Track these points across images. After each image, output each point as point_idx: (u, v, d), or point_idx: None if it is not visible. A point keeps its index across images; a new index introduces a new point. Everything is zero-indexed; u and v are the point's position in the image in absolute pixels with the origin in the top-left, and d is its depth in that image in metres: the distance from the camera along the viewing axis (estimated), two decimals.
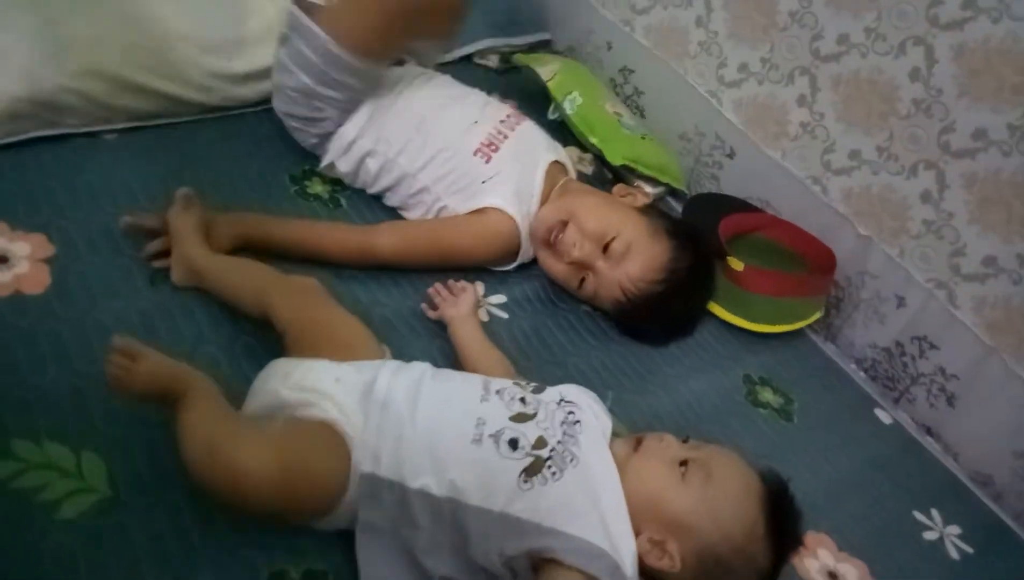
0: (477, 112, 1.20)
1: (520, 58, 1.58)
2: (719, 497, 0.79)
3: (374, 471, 0.74)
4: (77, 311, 0.86)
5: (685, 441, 0.85)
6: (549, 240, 1.14)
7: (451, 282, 1.10)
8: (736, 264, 1.25)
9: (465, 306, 1.05)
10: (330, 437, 0.75)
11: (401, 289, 1.08)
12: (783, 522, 0.81)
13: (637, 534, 0.77)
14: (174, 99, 1.13)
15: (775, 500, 0.81)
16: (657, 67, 1.59)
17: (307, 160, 1.20)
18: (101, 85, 1.04)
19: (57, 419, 0.76)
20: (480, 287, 1.15)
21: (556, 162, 1.24)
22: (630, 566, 0.75)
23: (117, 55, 1.07)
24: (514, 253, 1.17)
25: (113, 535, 0.71)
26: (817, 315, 1.37)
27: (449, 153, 1.16)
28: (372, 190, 1.19)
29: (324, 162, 1.18)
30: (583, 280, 1.14)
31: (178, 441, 0.69)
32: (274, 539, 0.76)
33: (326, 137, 1.16)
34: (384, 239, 1.09)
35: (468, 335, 1.01)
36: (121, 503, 0.73)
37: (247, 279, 0.91)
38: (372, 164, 1.17)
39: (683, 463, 0.80)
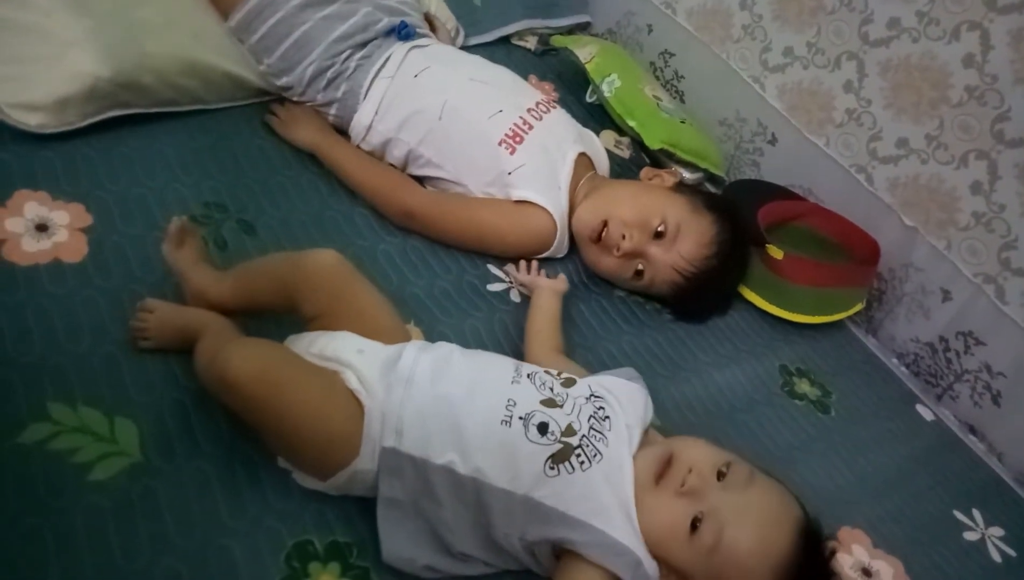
0: (502, 100, 1.17)
1: (558, 40, 1.56)
2: (726, 563, 0.73)
3: (396, 446, 0.73)
4: (113, 281, 0.87)
5: (723, 472, 0.76)
6: (596, 238, 1.12)
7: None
8: (776, 252, 1.22)
9: (559, 285, 1.08)
10: (342, 389, 0.75)
11: (431, 269, 1.08)
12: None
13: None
14: (237, 81, 1.14)
15: (797, 568, 0.74)
16: (699, 51, 1.56)
17: None
18: (175, 66, 1.06)
19: (92, 385, 0.78)
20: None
21: (582, 154, 1.21)
22: (652, 562, 0.74)
23: (188, 38, 1.09)
24: (545, 248, 1.15)
25: (142, 499, 0.71)
26: (858, 307, 1.33)
27: (472, 143, 1.13)
28: (406, 172, 1.18)
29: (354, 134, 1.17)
30: (639, 271, 1.12)
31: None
32: (299, 510, 0.76)
33: (345, 113, 1.16)
34: (420, 195, 1.10)
35: (550, 304, 1.04)
36: (151, 468, 0.74)
37: (265, 288, 0.85)
38: (398, 152, 1.15)
39: (697, 519, 0.73)
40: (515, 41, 1.60)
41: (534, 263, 1.14)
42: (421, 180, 1.16)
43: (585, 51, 1.50)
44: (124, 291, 0.86)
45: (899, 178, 1.32)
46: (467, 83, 1.17)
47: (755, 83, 1.48)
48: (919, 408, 1.28)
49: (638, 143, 1.46)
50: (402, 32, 1.18)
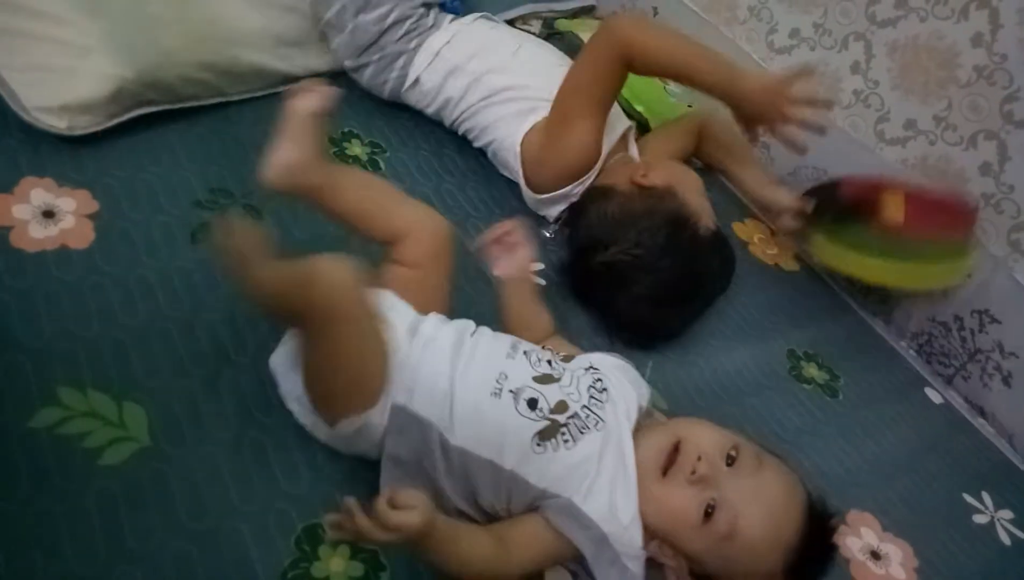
0: (565, 62, 1.20)
1: (563, 24, 1.55)
2: (740, 550, 0.73)
3: (406, 404, 0.74)
4: (120, 267, 0.87)
5: (733, 456, 0.76)
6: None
7: (505, 229, 0.94)
8: (894, 207, 1.12)
9: (521, 265, 0.94)
10: (386, 341, 0.75)
11: None
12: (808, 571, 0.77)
13: (650, 539, 0.75)
14: (258, 68, 1.14)
15: (805, 548, 0.75)
16: (705, 32, 1.55)
17: (347, 123, 1.20)
18: (194, 59, 1.06)
19: (101, 370, 0.78)
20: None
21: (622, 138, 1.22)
22: (628, 531, 0.74)
23: (204, 29, 1.08)
24: (581, 173, 1.13)
25: (152, 483, 0.72)
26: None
27: (535, 86, 1.16)
28: (453, 114, 1.21)
29: (409, 80, 1.20)
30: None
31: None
32: (309, 494, 0.76)
33: (405, 69, 1.19)
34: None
35: (522, 292, 0.94)
36: (160, 453, 0.74)
37: (376, 201, 0.87)
38: (458, 83, 1.18)
39: (710, 507, 0.73)
40: (519, 25, 1.59)
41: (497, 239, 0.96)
42: (468, 113, 1.20)
43: (590, 35, 1.48)
44: (131, 277, 0.86)
45: (907, 159, 1.31)
46: (536, 42, 1.28)
47: (762, 64, 1.47)
48: (928, 391, 1.28)
49: (644, 128, 1.45)
50: (451, 5, 1.28)
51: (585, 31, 1.50)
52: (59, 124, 0.94)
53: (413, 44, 1.19)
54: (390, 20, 1.18)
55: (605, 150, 1.14)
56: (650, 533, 0.75)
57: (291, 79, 1.17)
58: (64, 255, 0.86)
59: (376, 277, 0.83)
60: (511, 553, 0.71)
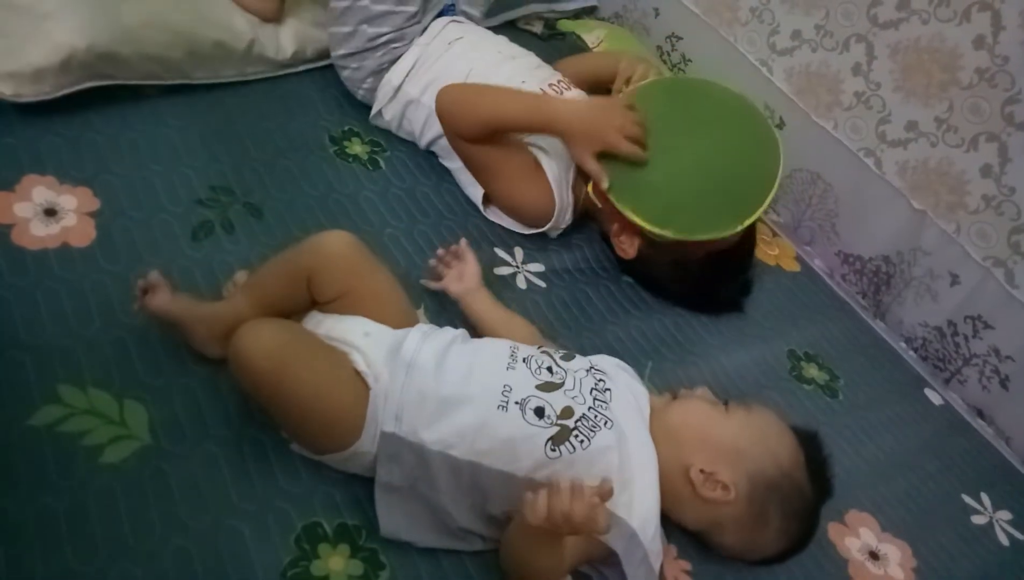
0: (525, 73, 1.18)
1: (565, 24, 1.55)
2: (763, 425, 0.84)
3: (395, 431, 0.74)
4: (121, 265, 0.87)
5: (726, 403, 0.86)
6: None
7: (453, 248, 1.00)
8: None
9: (471, 279, 0.97)
10: (349, 371, 0.76)
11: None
12: (819, 460, 0.84)
13: (686, 468, 0.79)
14: (223, 47, 1.13)
15: (810, 440, 0.86)
16: (706, 34, 1.55)
17: (347, 121, 1.20)
18: (156, 36, 1.05)
19: (101, 368, 0.78)
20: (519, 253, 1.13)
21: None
22: (652, 528, 0.76)
23: (168, 4, 1.08)
24: (539, 225, 1.13)
25: (153, 481, 0.72)
26: None
27: None
28: (422, 143, 1.19)
29: (373, 110, 1.20)
30: None
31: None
32: (308, 493, 0.76)
33: (378, 81, 1.18)
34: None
35: (482, 309, 0.95)
36: (161, 451, 0.74)
37: (281, 284, 0.82)
38: (416, 115, 1.17)
39: (724, 402, 0.86)
40: (521, 25, 1.59)
41: (441, 252, 1.02)
42: (436, 140, 1.17)
43: (592, 35, 1.49)
44: (132, 275, 0.86)
45: (908, 161, 1.31)
46: (495, 55, 1.20)
47: (763, 66, 1.47)
48: (927, 392, 1.28)
49: None
50: (447, 10, 1.25)
51: (587, 32, 1.50)
52: (5, 90, 0.94)
53: (385, 62, 1.18)
54: (382, 40, 1.17)
55: (560, 182, 1.11)
56: (687, 455, 0.81)
57: (261, 61, 1.18)
58: (66, 253, 0.86)
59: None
60: (564, 558, 0.73)
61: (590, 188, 1.10)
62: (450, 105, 1.07)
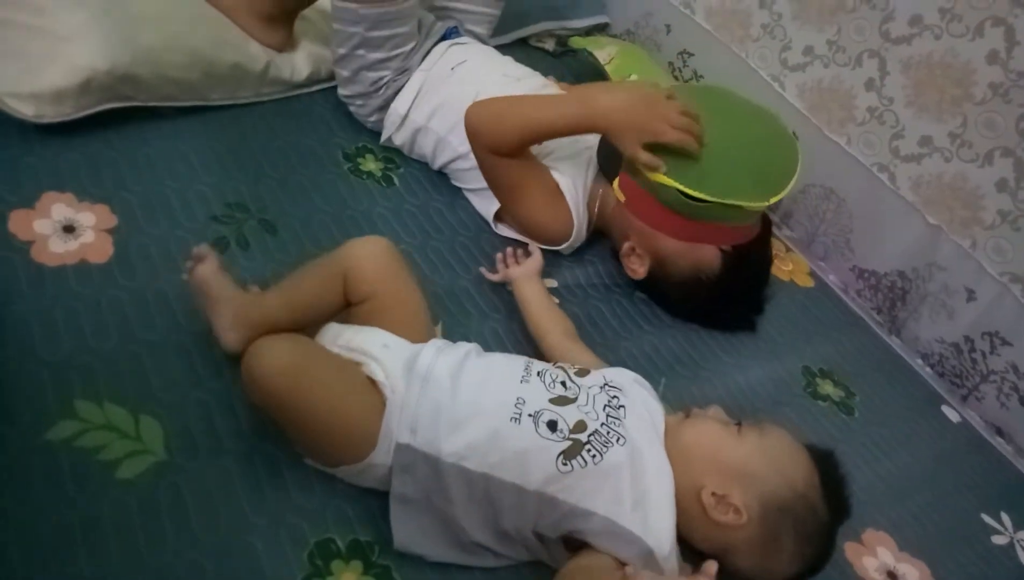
0: (531, 93, 1.18)
1: (577, 41, 1.56)
2: (776, 445, 0.82)
3: (410, 442, 0.74)
4: (138, 281, 0.88)
5: (739, 425, 0.84)
6: None
7: (518, 250, 1.11)
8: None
9: (531, 266, 1.07)
10: (364, 384, 0.76)
11: (451, 269, 1.08)
12: (835, 480, 0.83)
13: (698, 490, 0.78)
14: (240, 69, 1.15)
15: (826, 459, 0.84)
16: (718, 50, 1.56)
17: (361, 138, 1.21)
18: (174, 58, 1.07)
19: (118, 383, 0.78)
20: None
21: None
22: (668, 546, 0.75)
23: (186, 27, 1.10)
24: (556, 244, 1.14)
25: (168, 497, 0.72)
26: None
27: None
28: (434, 166, 1.20)
29: (383, 137, 1.20)
30: None
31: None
32: (321, 508, 0.76)
33: (385, 113, 1.18)
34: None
35: (532, 292, 1.02)
36: (176, 466, 0.74)
37: (314, 286, 0.84)
38: (426, 141, 1.17)
39: (737, 423, 0.84)
40: (533, 43, 1.60)
41: (509, 250, 1.10)
42: (449, 164, 1.18)
43: (604, 52, 1.50)
44: (149, 291, 0.87)
45: (922, 177, 1.31)
46: (500, 77, 1.19)
47: (775, 82, 1.47)
48: (944, 409, 1.27)
49: None
50: (449, 33, 1.25)
51: (598, 49, 1.51)
52: (27, 111, 0.95)
53: (390, 96, 1.18)
54: (384, 82, 1.17)
55: (577, 202, 1.12)
56: (699, 477, 0.79)
57: (277, 82, 1.20)
58: (84, 269, 0.87)
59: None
60: None
61: (616, 185, 1.12)
62: (485, 119, 1.06)
